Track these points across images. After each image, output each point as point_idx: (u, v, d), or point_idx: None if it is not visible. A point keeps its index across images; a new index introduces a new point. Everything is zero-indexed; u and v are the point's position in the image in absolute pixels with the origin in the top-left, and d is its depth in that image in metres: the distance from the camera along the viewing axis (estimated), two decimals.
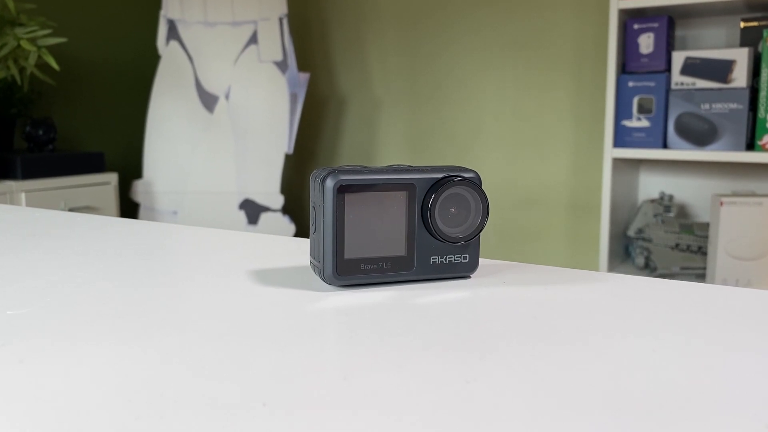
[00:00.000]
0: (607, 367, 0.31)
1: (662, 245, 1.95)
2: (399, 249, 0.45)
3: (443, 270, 0.46)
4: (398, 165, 0.45)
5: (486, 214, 0.46)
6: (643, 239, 1.98)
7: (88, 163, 2.22)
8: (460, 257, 0.46)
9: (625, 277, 0.48)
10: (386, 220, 0.44)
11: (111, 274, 0.50)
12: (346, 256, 0.43)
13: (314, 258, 0.45)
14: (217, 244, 0.62)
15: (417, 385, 0.29)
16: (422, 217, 0.45)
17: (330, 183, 0.42)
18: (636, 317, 0.39)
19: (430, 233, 0.45)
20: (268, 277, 0.48)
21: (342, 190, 0.42)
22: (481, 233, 0.47)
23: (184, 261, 0.55)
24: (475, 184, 0.46)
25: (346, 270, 0.44)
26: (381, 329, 0.36)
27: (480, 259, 0.50)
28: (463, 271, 0.47)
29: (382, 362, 0.32)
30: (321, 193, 0.43)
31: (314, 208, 0.44)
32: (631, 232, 2.03)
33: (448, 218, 0.45)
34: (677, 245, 1.95)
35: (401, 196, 0.44)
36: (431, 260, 0.46)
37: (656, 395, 0.28)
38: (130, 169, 2.61)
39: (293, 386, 0.29)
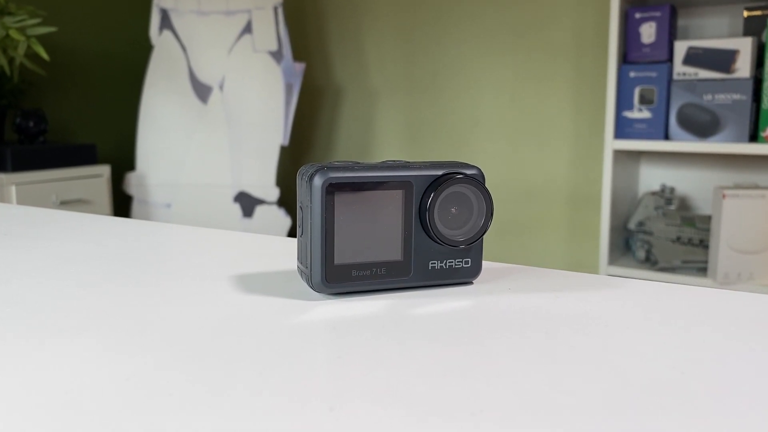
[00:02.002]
0: (632, 395, 0.27)
1: (663, 238, 1.91)
2: (394, 253, 0.41)
3: (443, 276, 0.42)
4: (394, 161, 0.42)
5: (490, 214, 0.42)
6: (644, 232, 1.95)
7: (80, 155, 2.18)
8: (462, 262, 0.42)
9: (641, 283, 0.44)
10: (380, 222, 0.40)
11: (80, 279, 0.46)
12: (336, 261, 0.39)
13: (302, 263, 0.41)
14: (201, 244, 0.59)
15: (415, 418, 0.25)
16: (420, 218, 0.41)
17: (318, 181, 0.38)
18: (660, 331, 0.35)
19: (428, 236, 0.41)
20: (252, 283, 0.44)
21: (331, 188, 0.38)
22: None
23: (162, 264, 0.51)
24: (477, 181, 0.42)
25: (336, 277, 0.40)
26: (374, 348, 0.32)
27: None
28: (464, 276, 0.43)
29: (375, 389, 0.28)
30: (308, 192, 0.39)
31: (301, 208, 0.40)
32: (632, 225, 2.00)
33: (448, 219, 0.41)
34: (678, 238, 1.92)
35: (397, 195, 0.40)
36: (430, 265, 0.42)
37: (691, 427, 0.24)
38: (122, 161, 2.57)
39: (272, 419, 0.25)
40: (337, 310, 0.38)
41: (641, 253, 1.95)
